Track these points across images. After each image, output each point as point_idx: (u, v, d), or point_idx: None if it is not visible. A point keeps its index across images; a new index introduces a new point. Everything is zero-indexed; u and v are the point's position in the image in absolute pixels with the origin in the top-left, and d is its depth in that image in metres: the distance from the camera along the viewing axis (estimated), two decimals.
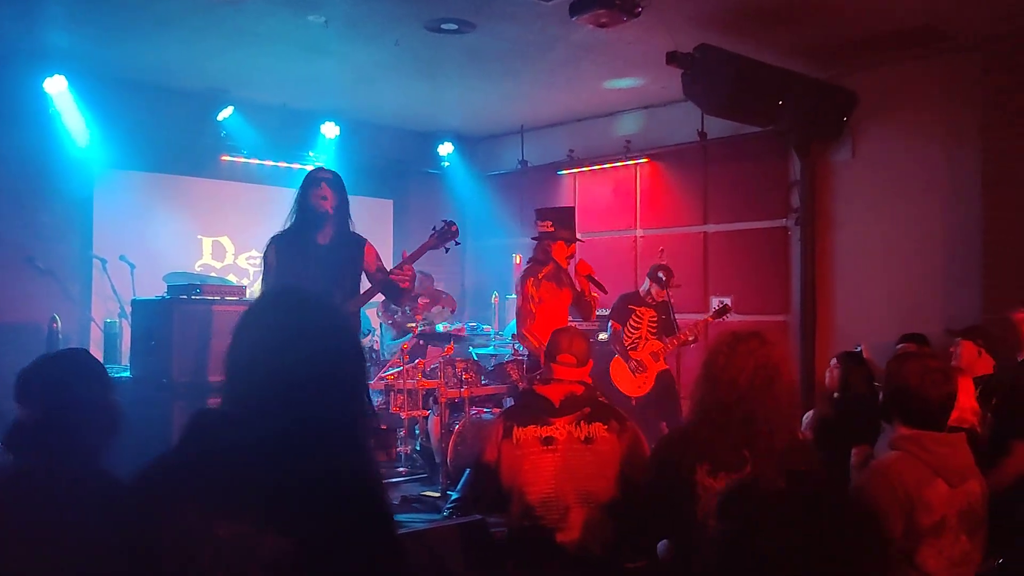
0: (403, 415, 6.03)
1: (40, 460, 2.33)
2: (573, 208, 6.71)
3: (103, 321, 7.11)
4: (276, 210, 4.68)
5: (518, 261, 8.08)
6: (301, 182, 4.63)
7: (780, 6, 5.73)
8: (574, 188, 9.16)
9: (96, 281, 7.43)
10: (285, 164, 8.43)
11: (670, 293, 6.75)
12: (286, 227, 4.55)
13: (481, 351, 7.45)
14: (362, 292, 4.67)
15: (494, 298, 8.46)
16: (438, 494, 5.84)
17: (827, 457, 4.13)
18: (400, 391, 5.98)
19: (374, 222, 8.68)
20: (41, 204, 7.19)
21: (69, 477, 2.30)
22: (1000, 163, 6.18)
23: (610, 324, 6.79)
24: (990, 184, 6.23)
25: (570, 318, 5.92)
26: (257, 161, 8.37)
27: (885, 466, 2.71)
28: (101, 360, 6.33)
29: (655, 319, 6.72)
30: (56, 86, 6.97)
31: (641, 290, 6.87)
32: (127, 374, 5.83)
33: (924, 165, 6.70)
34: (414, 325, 7.19)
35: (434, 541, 3.36)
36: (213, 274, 8.08)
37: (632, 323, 6.71)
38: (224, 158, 8.20)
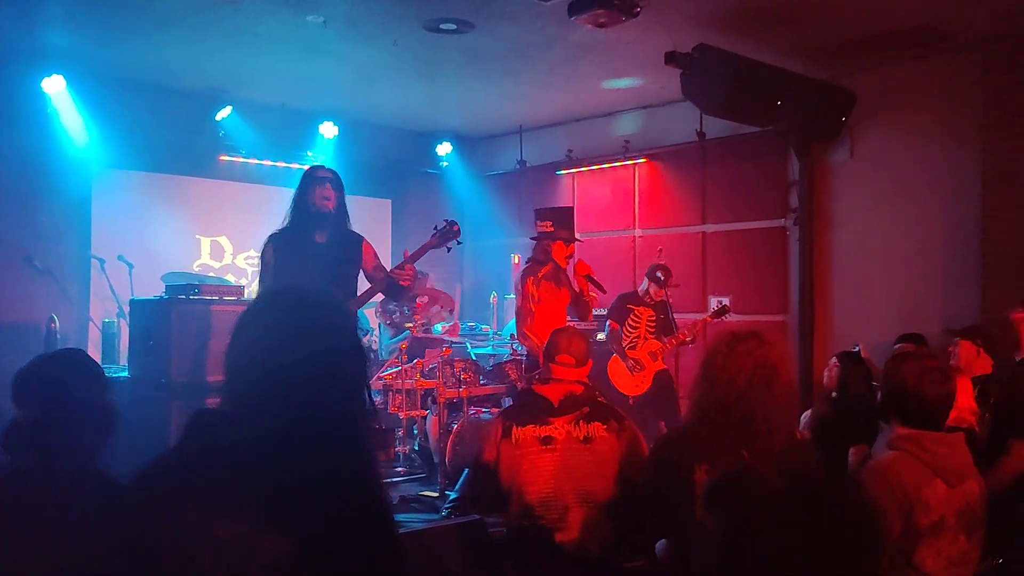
0: (401, 415, 6.02)
1: (37, 460, 2.33)
2: (572, 208, 6.71)
3: (101, 321, 7.11)
4: (275, 210, 4.68)
5: (517, 261, 8.08)
6: (300, 180, 4.63)
7: (779, 6, 5.73)
8: (573, 188, 9.16)
9: (94, 281, 7.42)
10: (284, 164, 8.42)
11: (669, 293, 6.75)
12: (284, 225, 4.54)
13: (480, 351, 7.44)
14: (362, 291, 4.67)
15: (492, 298, 8.46)
16: (436, 494, 5.83)
17: (825, 457, 4.13)
18: (398, 391, 5.98)
19: (373, 222, 8.68)
20: (39, 204, 7.18)
21: (66, 477, 2.30)
22: (999, 163, 6.18)
23: (608, 323, 6.79)
24: (989, 184, 6.24)
25: (568, 318, 5.92)
26: (256, 161, 8.36)
27: (883, 466, 2.71)
28: (99, 360, 6.34)
29: (653, 318, 6.72)
30: (54, 86, 6.96)
31: (639, 290, 6.87)
32: (125, 374, 5.83)
33: (923, 165, 6.71)
34: (412, 325, 7.18)
35: (432, 541, 3.36)
36: (211, 274, 8.08)
37: (630, 322, 6.71)
38: (223, 158, 8.19)
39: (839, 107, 6.85)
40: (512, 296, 7.10)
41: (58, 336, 6.36)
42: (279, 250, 4.47)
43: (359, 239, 4.66)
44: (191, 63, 7.08)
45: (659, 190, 8.48)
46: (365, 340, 7.34)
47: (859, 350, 5.53)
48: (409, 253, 4.63)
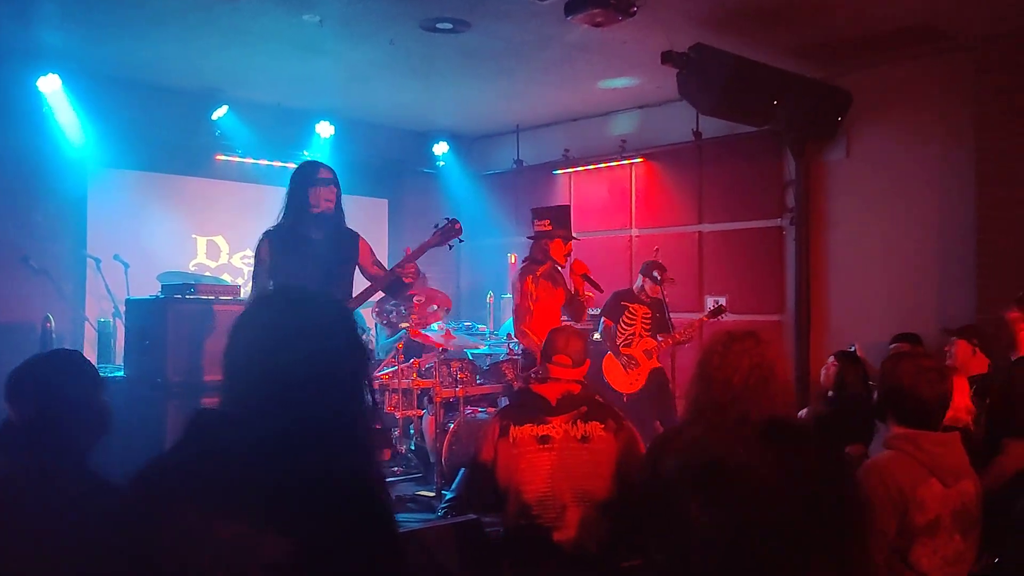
0: (398, 414, 6.02)
1: (30, 460, 2.33)
2: (569, 206, 6.72)
3: (97, 320, 7.09)
4: (271, 209, 4.65)
5: (513, 261, 8.08)
6: (297, 176, 4.56)
7: (776, 6, 5.73)
8: (569, 188, 9.16)
9: (90, 280, 7.41)
10: (280, 163, 8.41)
11: (665, 291, 6.75)
12: (279, 222, 4.51)
13: (476, 351, 7.44)
14: (362, 290, 4.65)
15: (489, 298, 8.45)
16: (433, 494, 5.83)
17: (822, 456, 4.12)
18: (395, 390, 5.97)
19: (369, 221, 8.65)
20: (35, 203, 7.16)
21: (60, 478, 2.30)
22: (995, 163, 6.19)
23: (602, 321, 6.80)
24: (984, 184, 6.24)
25: (562, 318, 5.92)
26: (252, 160, 8.36)
27: (879, 465, 2.71)
28: (95, 360, 6.36)
29: (649, 316, 6.73)
30: (50, 85, 6.95)
31: (634, 287, 6.87)
32: (121, 373, 5.83)
33: (919, 165, 6.72)
34: (409, 324, 7.17)
35: (429, 541, 3.35)
36: (208, 273, 8.06)
37: (625, 320, 6.72)
38: (219, 157, 8.18)
39: (835, 107, 6.86)
40: (509, 296, 7.10)
41: (54, 336, 6.34)
42: (275, 247, 4.44)
43: (355, 236, 4.64)
44: (187, 62, 7.07)
45: (656, 190, 8.49)
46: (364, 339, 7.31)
47: (855, 350, 5.54)
48: (411, 251, 4.61)
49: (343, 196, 4.61)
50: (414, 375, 6.01)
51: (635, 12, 5.38)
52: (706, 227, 8.06)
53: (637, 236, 8.59)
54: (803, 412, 4.96)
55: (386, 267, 4.82)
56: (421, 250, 4.61)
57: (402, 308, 6.62)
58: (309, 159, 5.37)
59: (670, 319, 6.76)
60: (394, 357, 6.13)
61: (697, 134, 7.74)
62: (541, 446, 3.43)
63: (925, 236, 6.68)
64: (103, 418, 2.55)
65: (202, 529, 1.47)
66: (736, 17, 5.91)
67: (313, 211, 4.45)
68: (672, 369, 7.67)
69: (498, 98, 8.25)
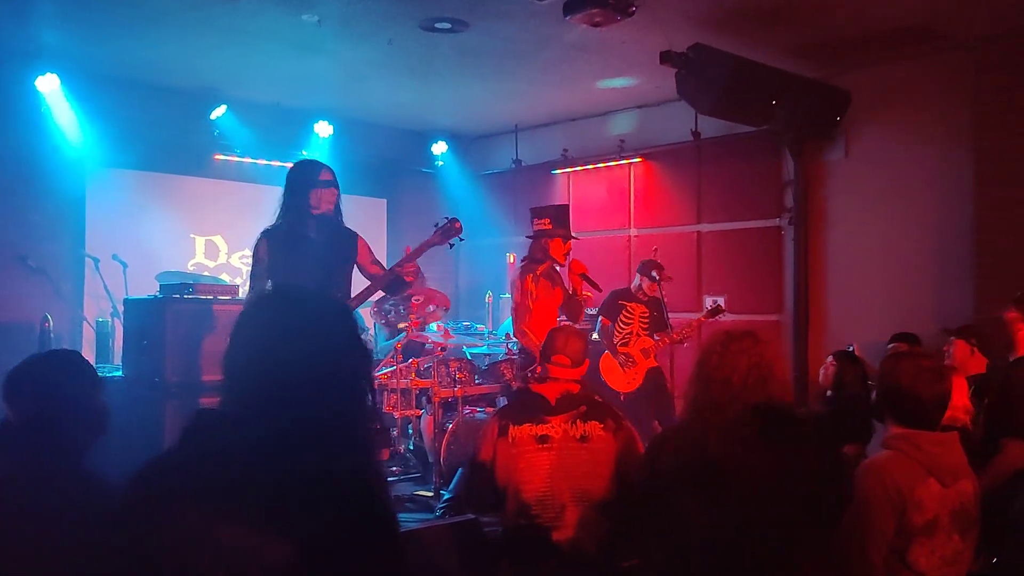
0: (396, 414, 6.02)
1: (28, 460, 2.33)
2: (568, 206, 6.72)
3: (95, 320, 7.08)
4: (269, 209, 4.63)
5: (512, 260, 8.08)
6: (297, 176, 4.54)
7: (775, 6, 5.73)
8: (568, 187, 9.17)
9: (88, 280, 7.40)
10: (279, 163, 8.40)
11: (663, 290, 6.75)
12: (277, 221, 4.49)
13: (475, 350, 7.44)
14: (362, 289, 4.63)
15: (488, 297, 8.45)
16: (431, 493, 5.83)
17: (820, 455, 4.12)
18: (393, 390, 5.97)
19: (368, 221, 8.64)
20: (33, 203, 7.16)
21: (57, 477, 2.30)
22: (993, 163, 6.19)
23: (599, 320, 6.80)
24: (983, 184, 6.25)
25: (559, 318, 5.92)
26: (250, 160, 8.35)
27: (878, 465, 2.71)
28: (93, 359, 6.36)
29: (646, 315, 6.73)
30: (48, 84, 6.94)
31: (632, 286, 6.88)
32: (119, 373, 5.82)
33: (917, 165, 6.72)
34: (407, 324, 7.17)
35: (428, 541, 3.35)
36: (206, 273, 8.06)
37: (623, 319, 6.72)
38: (217, 157, 8.17)
39: (834, 107, 6.86)
40: (507, 296, 7.09)
41: (52, 335, 6.33)
42: (273, 247, 4.42)
43: (354, 236, 4.63)
44: (185, 61, 7.07)
45: (654, 190, 8.49)
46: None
47: (853, 349, 5.54)
48: (411, 250, 4.60)
49: (342, 196, 4.60)
50: (412, 375, 6.01)
51: (634, 12, 5.38)
52: (705, 227, 8.07)
53: (636, 236, 8.59)
54: (800, 413, 4.96)
55: (385, 266, 4.81)
56: (422, 249, 4.60)
57: (400, 308, 6.62)
58: (307, 159, 5.34)
59: (668, 319, 6.76)
60: (392, 357, 6.13)
61: (696, 134, 7.74)
62: (540, 446, 3.43)
63: (923, 236, 6.68)
64: (101, 418, 2.55)
65: (202, 530, 1.46)
66: (735, 17, 5.91)
67: (314, 212, 4.44)
68: (671, 369, 7.67)
69: (497, 98, 8.25)
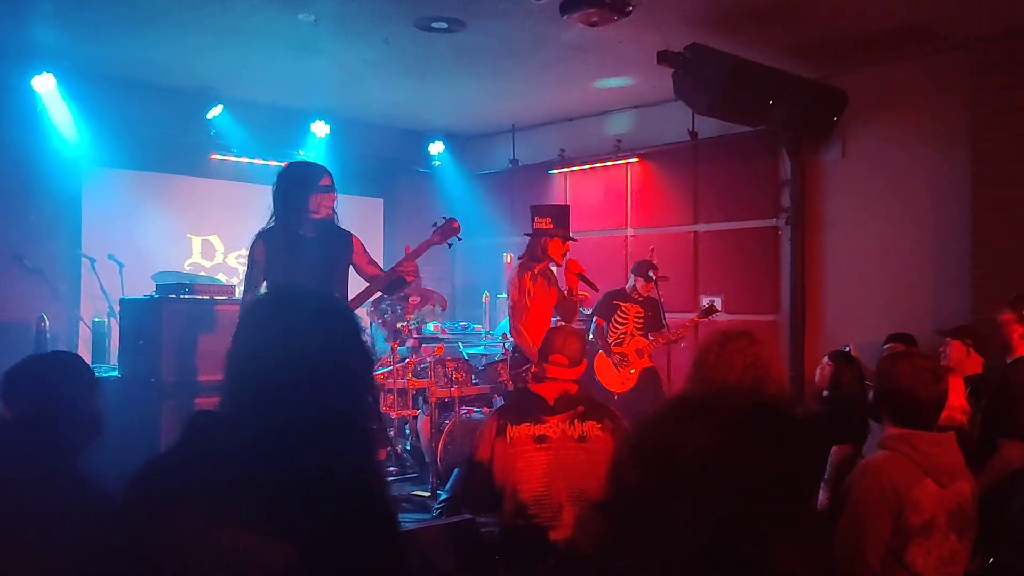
0: (393, 414, 6.02)
1: (21, 460, 2.33)
2: (568, 207, 6.72)
3: (91, 320, 7.07)
4: (265, 209, 4.64)
5: (509, 260, 8.08)
6: (295, 178, 4.53)
7: (772, 5, 5.73)
8: (565, 187, 9.16)
9: (84, 280, 7.38)
10: (275, 163, 8.34)
11: (660, 291, 6.75)
12: (273, 222, 4.49)
13: (472, 350, 7.44)
14: (363, 289, 4.64)
15: (485, 297, 8.45)
16: (428, 493, 5.83)
17: (816, 455, 4.13)
18: (390, 390, 5.97)
19: (365, 221, 8.64)
20: (29, 202, 7.14)
21: (53, 478, 2.30)
22: (991, 163, 6.19)
23: (594, 319, 6.81)
24: (980, 184, 6.25)
25: (553, 318, 5.92)
26: (247, 160, 8.33)
27: (874, 465, 2.71)
28: (89, 359, 6.34)
29: (641, 315, 6.74)
30: (44, 84, 6.93)
31: (627, 286, 6.88)
32: (115, 373, 5.81)
33: (914, 165, 6.72)
34: (405, 324, 7.17)
35: (424, 541, 3.35)
36: (202, 273, 8.04)
37: (617, 319, 6.73)
38: (214, 156, 8.16)
39: (831, 107, 6.86)
40: (504, 295, 7.09)
41: (48, 335, 6.32)
42: (270, 248, 4.42)
43: (349, 235, 4.63)
44: (181, 61, 7.05)
45: (651, 189, 8.49)
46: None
47: (849, 350, 5.55)
48: (410, 249, 4.61)
49: (339, 196, 4.61)
50: (409, 375, 6.01)
51: (631, 12, 5.38)
52: (702, 227, 8.07)
53: (633, 236, 8.59)
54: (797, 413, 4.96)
55: (380, 265, 4.81)
56: (422, 249, 4.60)
57: (397, 308, 6.62)
58: (303, 160, 5.33)
59: (665, 319, 6.76)
60: (389, 357, 6.12)
61: (693, 134, 7.75)
62: (538, 445, 3.43)
63: (921, 236, 6.69)
64: (96, 420, 2.56)
65: (202, 531, 1.46)
66: (732, 17, 5.91)
67: (312, 216, 4.45)
68: (668, 368, 7.67)
69: (494, 97, 8.25)
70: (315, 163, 4.84)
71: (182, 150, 7.92)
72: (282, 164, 7.64)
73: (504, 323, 6.76)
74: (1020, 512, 3.17)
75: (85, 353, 6.75)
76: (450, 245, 4.72)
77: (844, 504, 2.69)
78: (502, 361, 6.41)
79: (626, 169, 8.66)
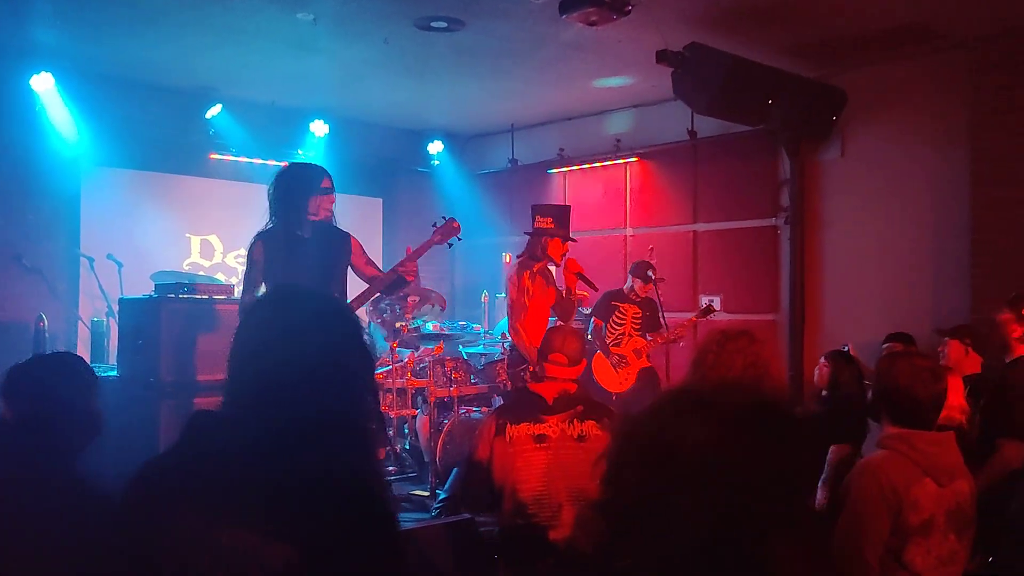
0: (392, 414, 6.01)
1: (19, 460, 2.34)
2: (569, 207, 6.73)
3: (90, 320, 7.07)
4: (265, 209, 4.64)
5: (508, 260, 8.07)
6: (295, 181, 4.53)
7: (771, 5, 5.73)
8: (564, 187, 9.16)
9: (83, 279, 7.38)
10: (274, 162, 8.35)
11: (659, 291, 6.76)
12: (272, 223, 4.49)
13: (471, 350, 7.43)
14: (364, 289, 4.64)
15: (484, 297, 8.45)
16: (427, 493, 5.83)
17: (814, 455, 4.13)
18: (389, 390, 5.97)
19: (364, 220, 8.65)
20: (28, 202, 7.13)
21: (47, 479, 2.31)
22: (990, 162, 6.20)
23: (592, 320, 6.82)
24: (979, 184, 6.25)
25: (551, 317, 5.92)
26: (246, 159, 8.33)
27: (873, 465, 2.71)
28: (88, 359, 6.34)
29: (639, 316, 6.75)
30: (43, 83, 6.92)
31: (625, 287, 6.89)
32: (114, 373, 5.81)
33: (914, 164, 6.72)
34: (404, 324, 7.17)
35: (424, 540, 3.35)
36: (201, 273, 8.04)
37: (615, 319, 6.74)
38: (212, 156, 8.16)
39: (830, 106, 6.87)
40: (503, 295, 7.09)
41: (47, 335, 6.32)
42: (268, 248, 4.42)
43: (347, 236, 4.64)
44: (180, 60, 7.05)
45: (650, 189, 8.49)
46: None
47: (848, 349, 5.55)
48: (411, 250, 4.62)
49: (338, 195, 4.62)
50: (408, 374, 6.01)
51: (630, 11, 5.38)
52: (701, 226, 8.06)
53: (632, 235, 8.59)
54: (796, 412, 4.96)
55: (378, 265, 4.82)
56: (423, 249, 4.62)
57: (396, 307, 6.62)
58: (304, 162, 5.33)
59: (664, 319, 6.77)
60: (388, 356, 6.12)
61: (692, 133, 7.75)
62: (537, 445, 3.43)
63: (920, 236, 6.69)
64: (95, 421, 2.57)
65: (201, 531, 1.45)
66: (731, 16, 5.91)
67: (311, 218, 4.46)
68: (667, 368, 7.67)
69: (493, 97, 8.24)
70: (316, 165, 4.87)
71: (181, 150, 7.92)
72: (281, 164, 7.67)
73: (503, 323, 6.76)
74: (1019, 511, 3.17)
75: (84, 353, 6.75)
76: (450, 245, 4.74)
77: (843, 503, 2.69)
78: (501, 361, 6.41)
79: (625, 168, 8.66)
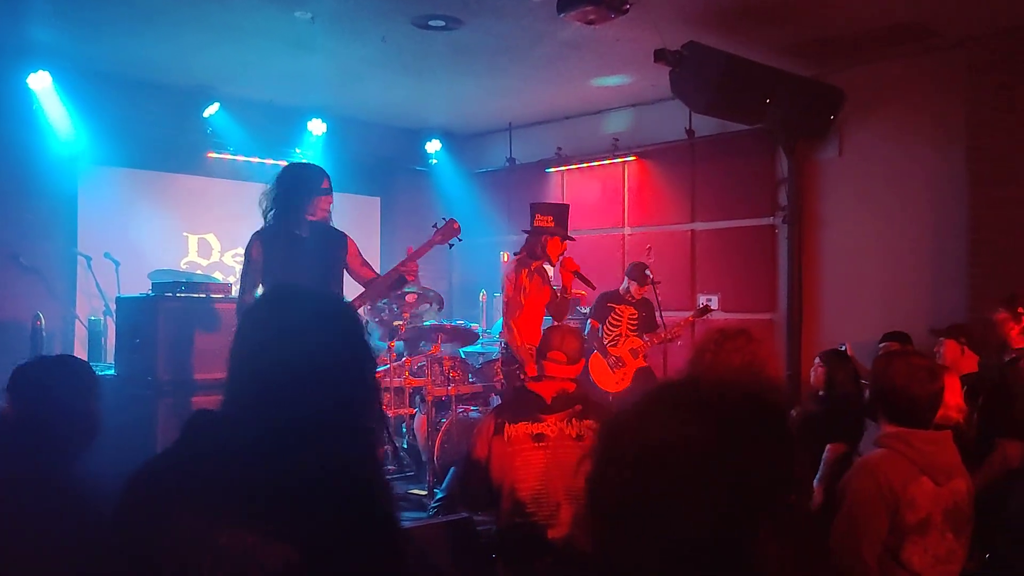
0: (390, 413, 6.01)
1: (17, 460, 2.35)
2: (568, 206, 6.73)
3: (88, 319, 7.06)
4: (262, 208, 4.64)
5: (505, 259, 8.07)
6: (295, 181, 4.54)
7: (769, 4, 5.73)
8: (562, 186, 9.16)
9: (81, 278, 7.37)
10: (272, 161, 8.36)
11: (658, 292, 6.77)
12: (271, 223, 4.50)
13: (468, 349, 7.43)
14: (365, 289, 4.65)
15: (482, 296, 8.45)
16: (425, 492, 5.83)
17: (811, 455, 4.14)
18: (386, 389, 5.97)
19: (361, 219, 8.65)
20: (25, 201, 7.12)
21: (45, 480, 2.31)
22: (988, 161, 6.20)
23: (589, 322, 6.84)
24: (977, 183, 6.26)
25: (545, 316, 5.92)
26: (243, 158, 8.32)
27: (871, 463, 2.72)
28: (86, 358, 6.33)
29: (635, 316, 6.76)
30: (40, 82, 6.91)
31: (620, 288, 6.90)
32: (112, 372, 5.80)
33: (911, 163, 6.73)
34: (402, 323, 7.16)
35: (421, 540, 3.35)
36: (199, 272, 8.03)
37: (612, 320, 6.75)
38: (210, 155, 8.15)
39: (828, 105, 6.87)
40: (500, 294, 7.09)
41: (44, 334, 6.31)
42: (266, 247, 4.43)
43: (344, 237, 4.65)
44: (178, 59, 7.04)
45: (648, 188, 8.49)
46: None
47: (845, 349, 5.56)
48: (412, 250, 4.62)
49: (336, 194, 4.63)
50: (406, 373, 6.01)
51: (628, 10, 5.38)
52: (699, 225, 8.07)
53: (630, 235, 8.59)
54: (793, 412, 4.97)
55: (374, 267, 4.83)
56: (424, 249, 4.62)
57: (394, 306, 6.61)
58: (304, 162, 5.34)
59: (662, 319, 6.77)
60: (386, 355, 6.12)
61: (690, 132, 7.75)
62: (535, 444, 3.43)
63: (918, 235, 6.69)
64: (93, 423, 2.59)
65: (201, 532, 1.45)
66: (729, 15, 5.91)
67: (309, 218, 4.47)
68: (664, 368, 7.67)
69: (491, 96, 8.24)
70: (316, 165, 4.89)
71: (179, 148, 7.91)
72: (279, 162, 7.68)
73: (500, 322, 6.76)
74: (1017, 510, 3.18)
75: (81, 352, 6.75)
76: (451, 246, 4.74)
77: (840, 502, 2.70)
78: (499, 360, 6.41)
79: (623, 167, 8.66)
